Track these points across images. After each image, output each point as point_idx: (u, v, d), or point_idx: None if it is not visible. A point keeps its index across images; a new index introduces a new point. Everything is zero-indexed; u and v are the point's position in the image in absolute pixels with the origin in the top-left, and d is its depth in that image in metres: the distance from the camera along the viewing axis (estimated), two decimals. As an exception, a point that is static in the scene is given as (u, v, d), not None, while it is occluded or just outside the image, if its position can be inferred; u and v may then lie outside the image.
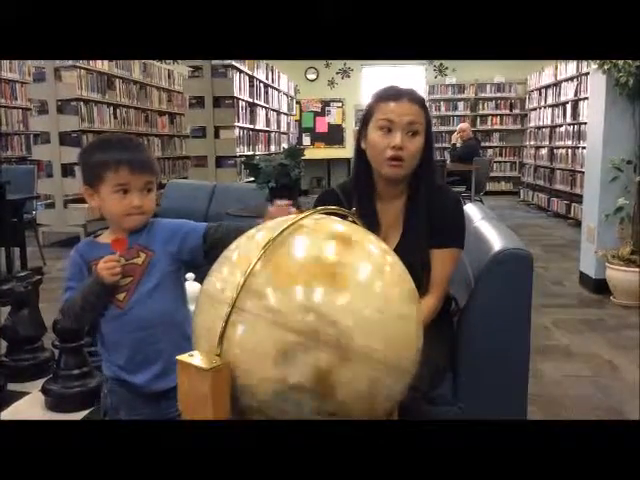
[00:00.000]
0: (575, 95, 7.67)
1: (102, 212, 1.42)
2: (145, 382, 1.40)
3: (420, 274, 1.55)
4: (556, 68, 8.57)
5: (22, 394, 2.24)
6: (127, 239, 1.38)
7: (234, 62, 6.01)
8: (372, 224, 1.53)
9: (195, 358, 1.00)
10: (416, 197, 1.63)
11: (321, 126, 11.39)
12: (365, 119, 1.63)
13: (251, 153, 6.70)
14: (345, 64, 11.12)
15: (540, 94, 9.45)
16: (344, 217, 1.18)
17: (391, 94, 1.59)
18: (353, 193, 1.67)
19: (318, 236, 1.05)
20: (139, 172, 1.36)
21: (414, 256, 1.51)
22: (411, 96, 1.58)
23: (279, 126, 8.62)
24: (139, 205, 1.37)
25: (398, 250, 1.41)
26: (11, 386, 2.27)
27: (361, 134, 1.65)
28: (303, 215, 1.06)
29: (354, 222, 1.19)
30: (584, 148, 6.09)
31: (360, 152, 1.66)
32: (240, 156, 6.18)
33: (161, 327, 1.39)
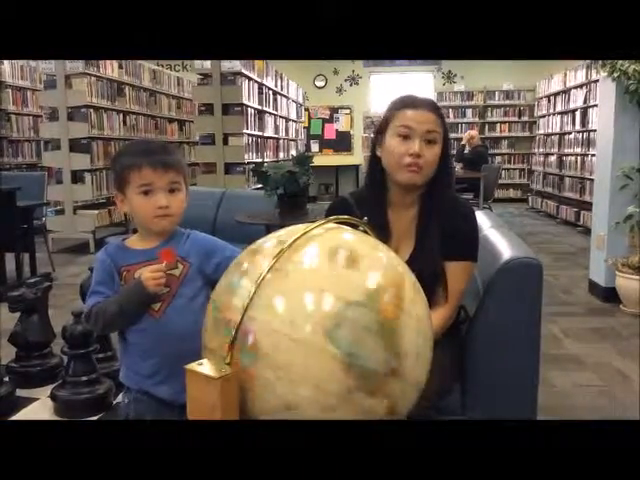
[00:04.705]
0: (584, 102, 7.65)
1: (133, 217, 1.42)
2: (170, 394, 1.38)
3: (433, 285, 1.54)
4: (565, 75, 8.54)
5: (31, 400, 2.25)
6: (175, 251, 1.37)
7: (243, 69, 6.04)
8: (383, 234, 1.52)
9: (204, 367, 1.00)
10: (430, 208, 1.61)
11: (329, 133, 11.41)
12: (382, 127, 1.61)
13: (260, 160, 6.71)
14: (353, 71, 11.15)
15: (549, 101, 9.42)
16: (356, 226, 1.18)
17: (410, 102, 1.58)
18: (365, 201, 1.66)
19: (329, 246, 1.05)
20: (162, 170, 1.35)
21: (427, 268, 1.50)
22: (430, 105, 1.58)
23: (287, 133, 8.63)
24: (165, 205, 1.36)
25: (411, 261, 1.40)
26: (20, 392, 2.27)
27: (377, 141, 1.64)
28: (315, 225, 1.06)
29: (365, 232, 1.19)
30: (593, 155, 6.07)
31: (375, 159, 1.65)
32: (249, 163, 6.20)
33: (193, 339, 1.31)
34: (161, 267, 1.34)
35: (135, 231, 1.48)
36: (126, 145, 1.50)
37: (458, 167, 7.72)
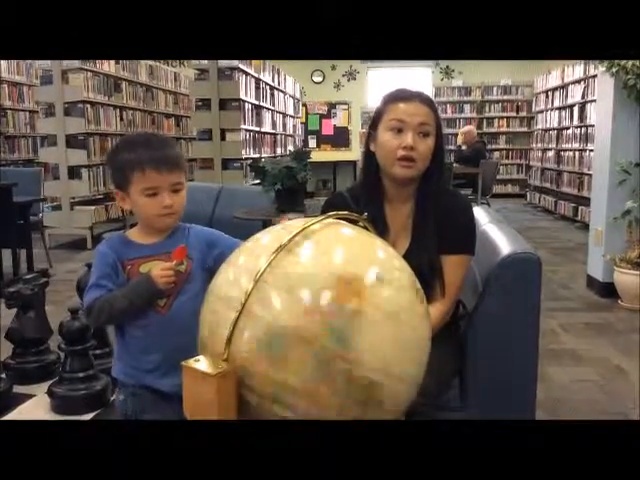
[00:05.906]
0: (582, 97, 7.64)
1: (134, 213, 1.42)
2: (171, 387, 1.36)
3: (430, 280, 1.53)
4: (563, 70, 8.53)
5: (28, 396, 2.24)
6: (186, 249, 1.37)
7: (240, 65, 6.02)
8: (381, 228, 1.52)
9: (201, 363, 0.99)
10: (426, 201, 1.61)
11: (327, 128, 11.38)
12: (375, 121, 1.61)
13: (257, 155, 6.70)
14: (351, 66, 11.12)
15: (547, 96, 9.41)
16: (354, 222, 1.17)
17: (401, 96, 1.58)
18: (361, 197, 1.65)
19: (328, 242, 1.05)
20: (167, 172, 1.35)
21: (424, 262, 1.49)
22: (421, 97, 1.58)
23: (285, 128, 8.62)
24: (170, 204, 1.36)
25: (408, 255, 1.40)
26: (17, 388, 2.27)
27: (370, 136, 1.63)
28: (314, 221, 1.05)
29: (365, 227, 1.18)
30: (591, 151, 6.07)
31: (369, 155, 1.64)
32: (246, 158, 6.18)
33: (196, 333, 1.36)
34: (172, 265, 1.35)
35: (132, 225, 1.47)
36: (123, 140, 1.47)
37: (455, 162, 7.71)
